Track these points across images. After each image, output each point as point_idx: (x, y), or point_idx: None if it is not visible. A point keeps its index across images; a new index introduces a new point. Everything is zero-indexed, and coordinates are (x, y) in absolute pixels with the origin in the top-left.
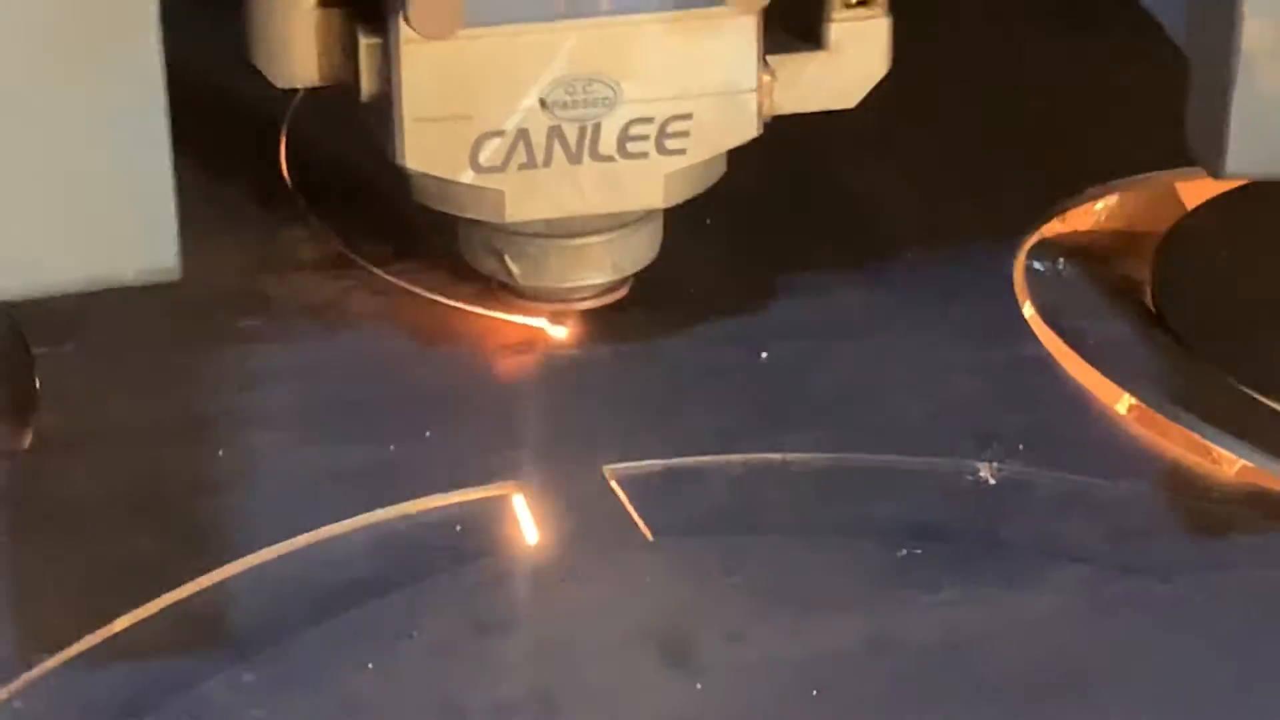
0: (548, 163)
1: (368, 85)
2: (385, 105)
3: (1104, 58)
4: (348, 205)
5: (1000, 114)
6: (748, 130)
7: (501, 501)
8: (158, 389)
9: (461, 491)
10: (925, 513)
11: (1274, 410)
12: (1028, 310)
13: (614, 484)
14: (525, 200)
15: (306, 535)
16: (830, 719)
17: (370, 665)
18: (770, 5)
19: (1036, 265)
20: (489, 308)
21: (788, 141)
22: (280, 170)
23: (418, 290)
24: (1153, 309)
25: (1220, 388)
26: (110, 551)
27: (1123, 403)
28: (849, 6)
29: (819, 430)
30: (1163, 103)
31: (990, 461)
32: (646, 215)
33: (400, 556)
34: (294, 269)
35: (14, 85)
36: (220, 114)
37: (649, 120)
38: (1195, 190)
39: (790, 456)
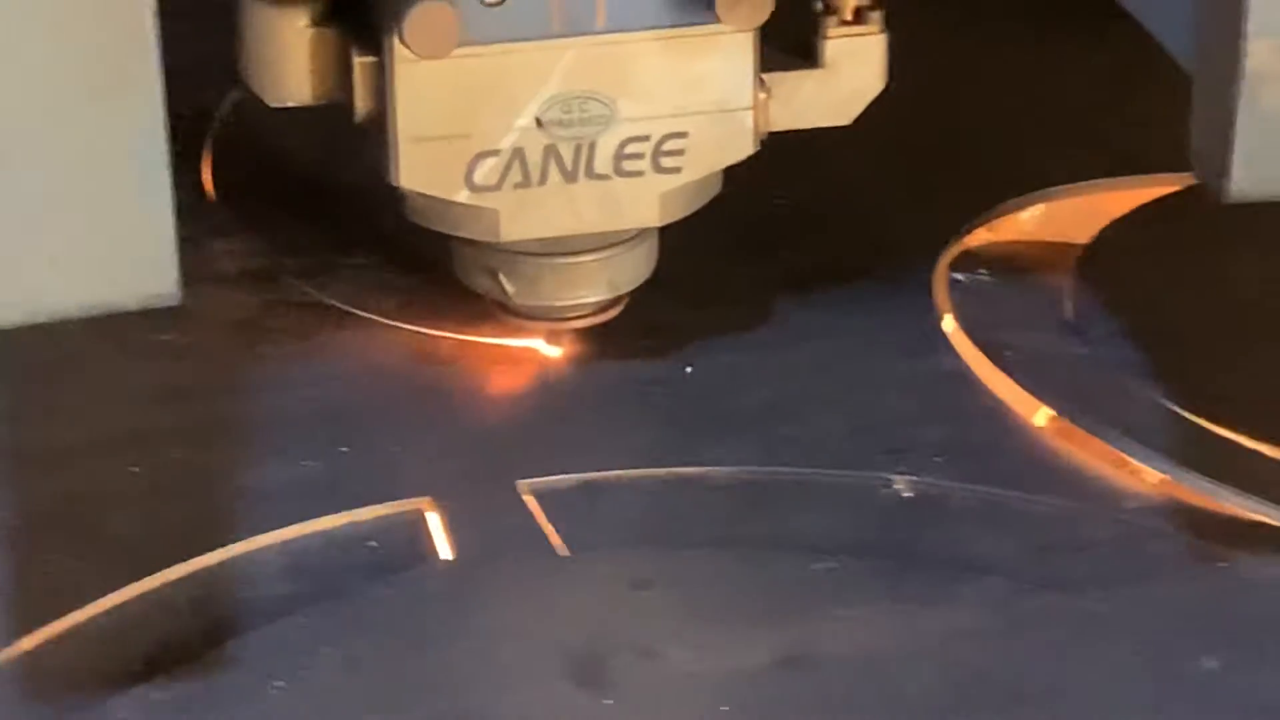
0: (543, 181)
1: (362, 104)
2: (379, 125)
3: (1045, 66)
4: (273, 218)
5: (935, 122)
6: (744, 148)
7: (416, 517)
8: (71, 404)
9: (376, 507)
10: (842, 527)
11: (1193, 423)
12: (948, 322)
13: (529, 499)
14: (520, 219)
15: (218, 553)
16: None
17: (280, 684)
18: (766, 23)
19: (958, 277)
20: (411, 322)
21: None
22: (204, 182)
23: (341, 305)
24: (1073, 321)
25: (1139, 400)
26: (20, 569)
27: (1041, 415)
28: (845, 23)
29: (739, 445)
30: (1100, 112)
31: (907, 475)
32: (641, 233)
33: (313, 574)
34: (217, 282)
35: (20, 118)
36: None
37: (645, 138)
38: (1121, 201)
39: (709, 471)
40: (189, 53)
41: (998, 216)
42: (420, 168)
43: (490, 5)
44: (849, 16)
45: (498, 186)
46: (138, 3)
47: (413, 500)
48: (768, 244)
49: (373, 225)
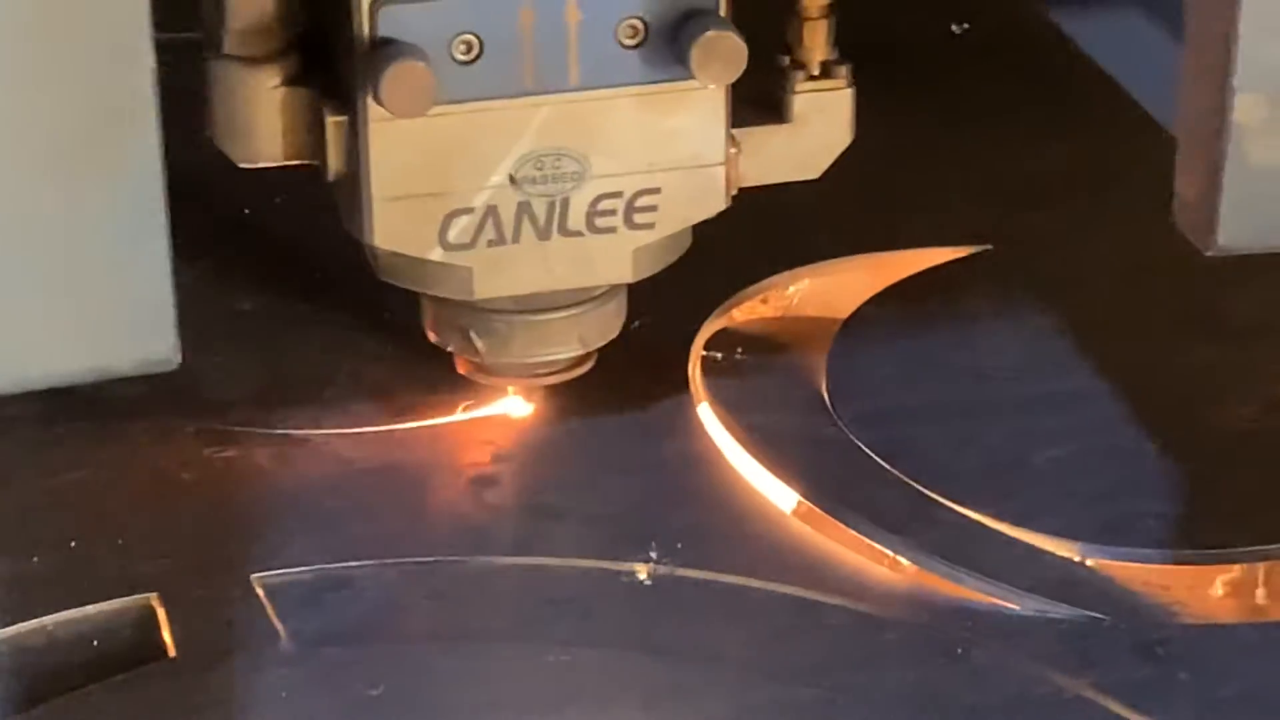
0: (516, 239)
1: (334, 164)
2: (352, 184)
3: None
4: None
5: None
6: (715, 203)
7: (142, 613)
8: None
9: (101, 604)
10: (578, 616)
11: (940, 505)
12: (701, 403)
13: (260, 592)
14: (493, 277)
15: None
16: None
17: None
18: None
19: (714, 355)
20: (153, 410)
21: None
22: None
23: (84, 390)
24: (826, 401)
25: (885, 482)
26: None
27: (788, 500)
28: (812, 78)
29: (480, 532)
30: (883, 182)
31: (648, 562)
32: (612, 289)
33: (32, 674)
34: None
35: (15, 181)
36: None
37: (617, 195)
38: (886, 274)
39: (444, 561)
40: None
41: (762, 292)
42: (394, 227)
43: (463, 64)
44: (816, 71)
45: (471, 244)
46: (136, 64)
47: (140, 595)
48: None
49: None
